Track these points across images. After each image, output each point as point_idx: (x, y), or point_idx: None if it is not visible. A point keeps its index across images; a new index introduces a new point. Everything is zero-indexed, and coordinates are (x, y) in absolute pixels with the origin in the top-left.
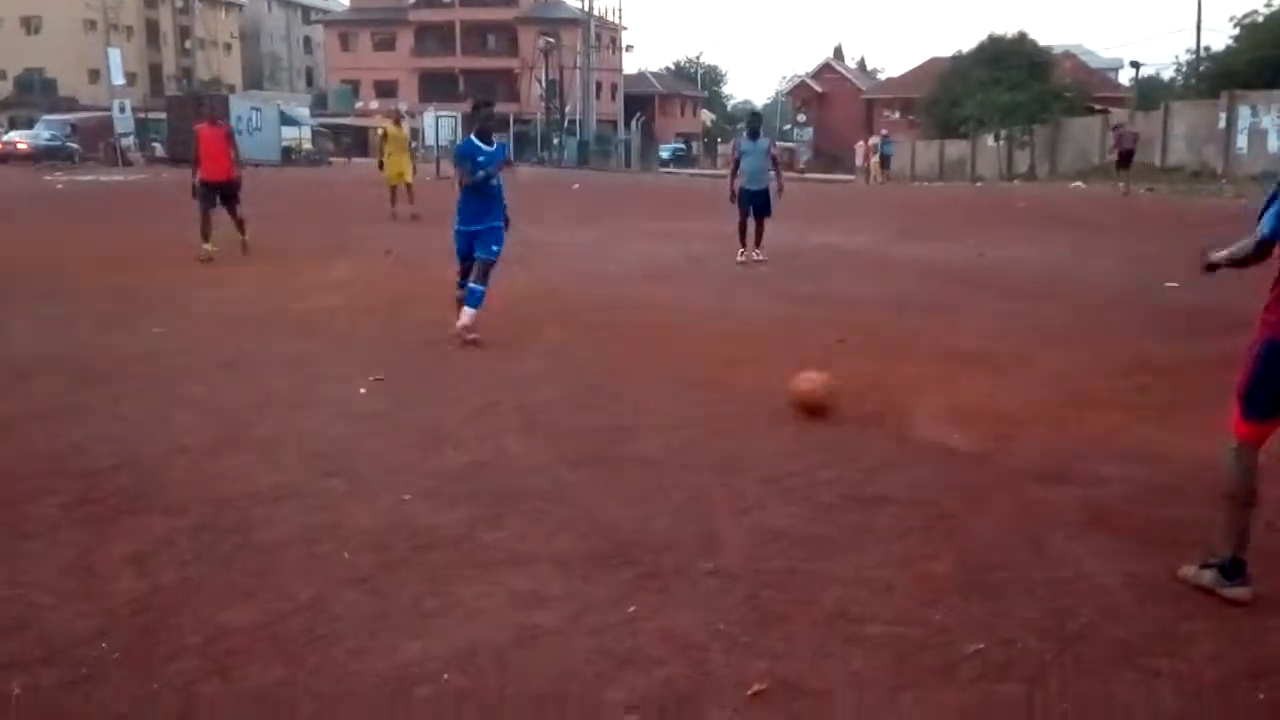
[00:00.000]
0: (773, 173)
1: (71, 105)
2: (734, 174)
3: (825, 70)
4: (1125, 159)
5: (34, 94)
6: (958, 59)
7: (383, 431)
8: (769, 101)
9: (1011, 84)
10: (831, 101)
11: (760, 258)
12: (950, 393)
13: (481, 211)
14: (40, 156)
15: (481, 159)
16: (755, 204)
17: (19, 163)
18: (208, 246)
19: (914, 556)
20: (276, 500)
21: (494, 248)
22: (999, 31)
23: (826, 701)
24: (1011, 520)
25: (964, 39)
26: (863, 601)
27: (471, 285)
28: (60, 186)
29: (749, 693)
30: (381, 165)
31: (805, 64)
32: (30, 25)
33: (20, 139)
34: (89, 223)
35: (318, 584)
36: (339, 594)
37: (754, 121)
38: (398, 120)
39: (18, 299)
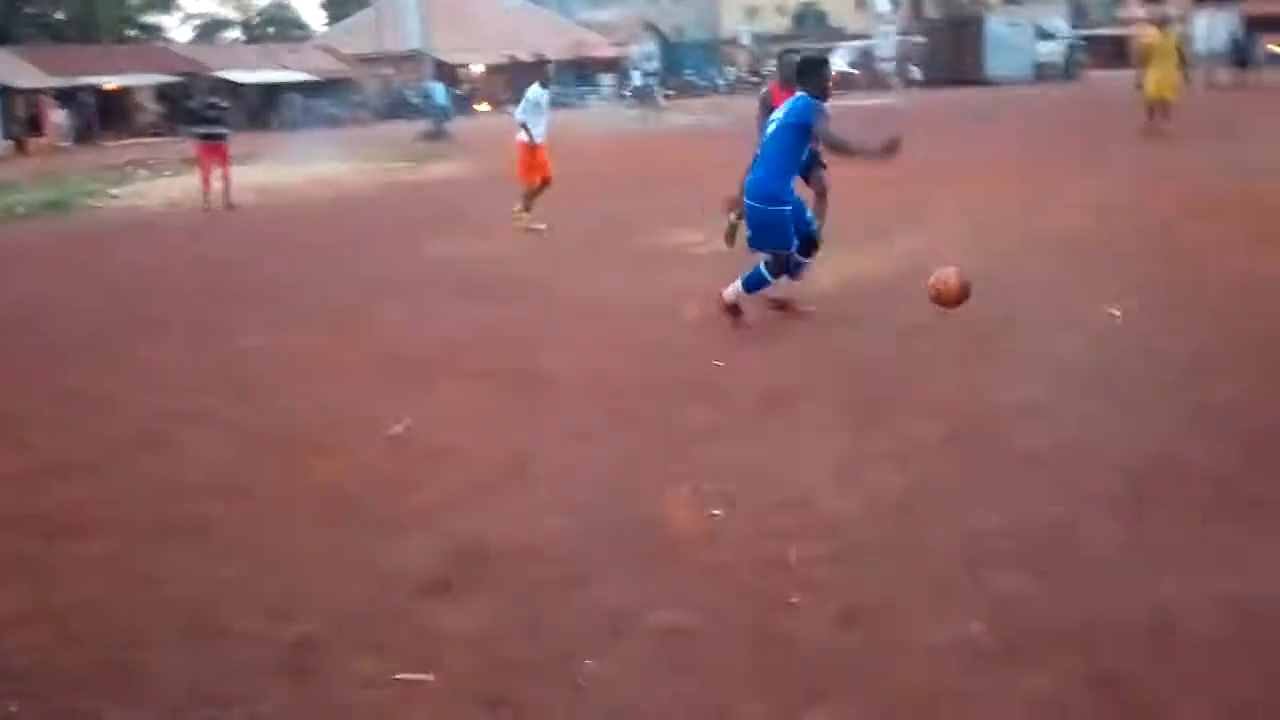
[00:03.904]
0: None
1: (842, 35)
2: None
3: None
4: None
5: (809, 27)
6: None
7: (1140, 362)
8: None
9: None
10: None
11: None
12: None
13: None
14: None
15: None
16: None
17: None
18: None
19: None
20: (1021, 413)
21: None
22: None
23: None
24: None
25: None
26: None
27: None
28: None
29: None
30: (1144, 81)
31: None
32: None
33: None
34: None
35: (1066, 503)
36: (1089, 517)
37: None
38: (1162, 26)
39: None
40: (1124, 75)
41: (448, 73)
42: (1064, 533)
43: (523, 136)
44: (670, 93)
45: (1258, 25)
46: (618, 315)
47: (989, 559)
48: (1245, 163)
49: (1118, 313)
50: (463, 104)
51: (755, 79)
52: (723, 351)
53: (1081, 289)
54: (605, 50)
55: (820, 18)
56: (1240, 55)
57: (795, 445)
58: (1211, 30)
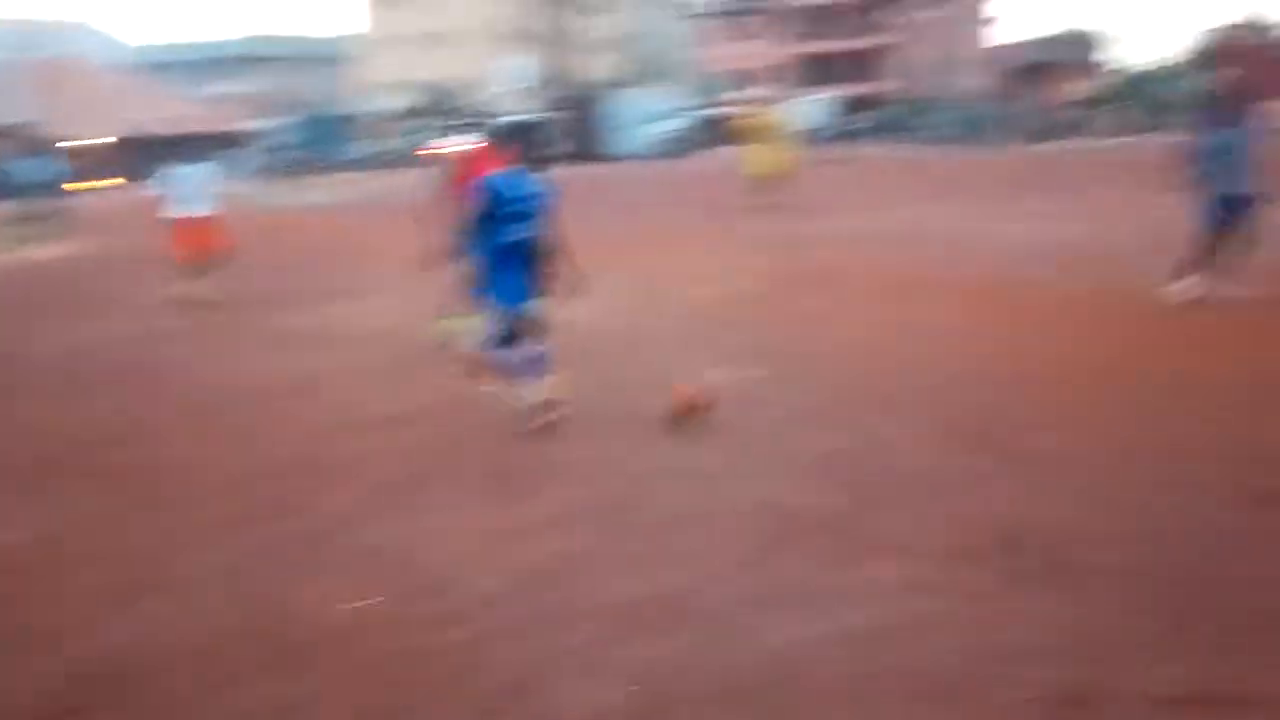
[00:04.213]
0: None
1: (477, 111)
2: (1193, 170)
3: (1229, 26)
4: None
5: (444, 102)
6: None
7: (764, 416)
8: (1159, 63)
9: None
10: (1246, 61)
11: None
12: None
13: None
14: None
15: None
16: (1238, 210)
17: None
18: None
19: None
20: (664, 477)
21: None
22: None
23: (1255, 713)
24: None
25: None
26: None
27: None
28: None
29: (1159, 698)
30: (746, 159)
31: (1204, 23)
32: (440, 39)
33: (446, 145)
34: None
35: (706, 561)
36: (726, 572)
37: (1218, 97)
38: (769, 108)
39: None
40: (735, 150)
41: (53, 146)
42: (697, 593)
43: (168, 212)
44: (305, 168)
45: (853, 106)
46: (259, 396)
47: (634, 625)
48: (842, 234)
49: (741, 377)
50: (77, 177)
51: (401, 152)
52: (363, 432)
53: (702, 353)
54: (239, 124)
55: (455, 94)
56: (834, 133)
57: (437, 525)
58: (812, 110)
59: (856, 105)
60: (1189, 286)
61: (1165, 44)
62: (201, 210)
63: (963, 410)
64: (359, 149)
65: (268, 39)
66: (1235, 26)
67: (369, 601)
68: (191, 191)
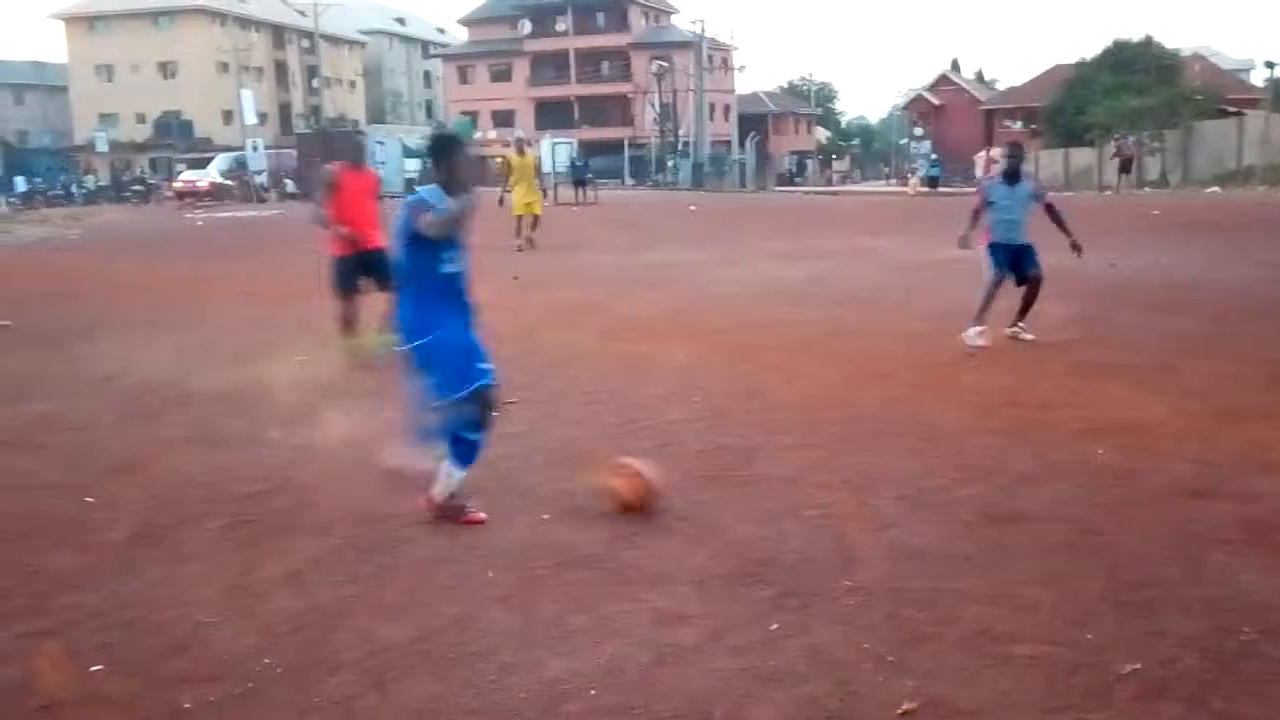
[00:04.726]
0: (1052, 227)
1: (208, 145)
2: (972, 223)
3: (942, 82)
4: (1125, 166)
5: (173, 135)
6: (1082, 65)
7: (518, 453)
8: (884, 117)
9: (1139, 88)
10: (949, 114)
11: (1026, 335)
12: (1089, 407)
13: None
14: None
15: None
16: (1019, 258)
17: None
18: (359, 341)
19: (1060, 574)
20: (419, 520)
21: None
22: (1124, 36)
23: None
24: (1162, 537)
25: (1086, 47)
26: (1009, 620)
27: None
28: (200, 223)
29: (898, 712)
30: (502, 200)
31: (921, 78)
32: (166, 70)
33: (198, 178)
34: (229, 257)
35: (464, 602)
36: (485, 611)
37: (1014, 158)
38: (521, 149)
39: (168, 329)
40: (486, 191)
41: None
42: (462, 632)
43: None
44: (14, 202)
45: (590, 149)
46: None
47: (394, 670)
48: (595, 270)
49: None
50: None
51: (133, 186)
52: (92, 486)
53: None
54: None
55: (185, 126)
56: (578, 176)
57: (179, 581)
58: (555, 152)
59: (595, 150)
60: (978, 332)
61: (879, 98)
62: None
63: (703, 446)
64: (85, 181)
65: None
66: None
67: (98, 668)
68: None
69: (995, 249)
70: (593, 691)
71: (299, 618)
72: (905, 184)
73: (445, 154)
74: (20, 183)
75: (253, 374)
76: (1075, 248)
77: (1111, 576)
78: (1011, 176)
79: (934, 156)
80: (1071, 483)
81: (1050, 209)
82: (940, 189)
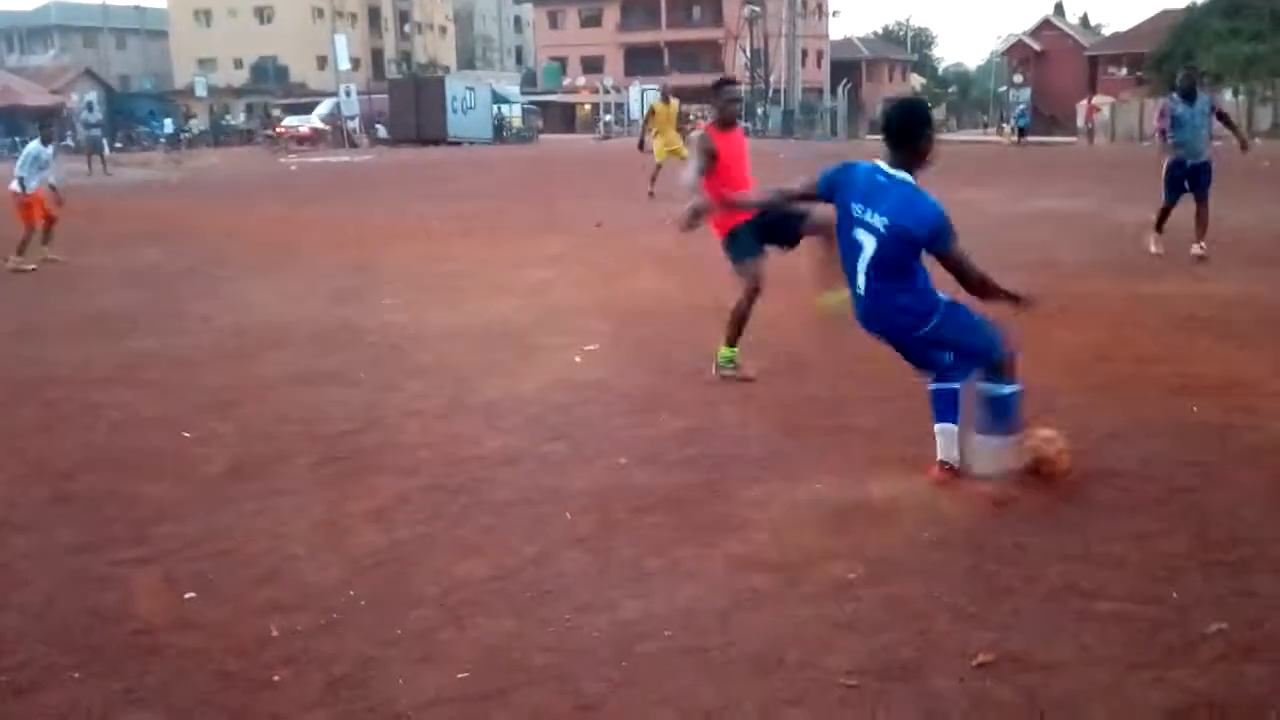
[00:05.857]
0: (1221, 139)
1: (303, 90)
2: (1164, 144)
3: (1044, 27)
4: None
5: (268, 80)
6: (1192, 10)
7: (599, 399)
8: (983, 63)
9: (1251, 34)
10: (1051, 60)
11: (1201, 252)
12: (1186, 361)
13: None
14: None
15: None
16: (1195, 181)
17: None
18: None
19: (1147, 532)
20: (502, 461)
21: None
22: None
23: (1057, 675)
24: (1255, 497)
25: None
26: (1092, 577)
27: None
28: (294, 168)
29: (974, 663)
30: (641, 145)
31: (1022, 22)
32: (263, 15)
33: (300, 123)
34: (323, 201)
35: (541, 542)
36: (562, 552)
37: (1188, 79)
38: (666, 98)
39: (264, 274)
40: (574, 139)
41: None
42: (539, 571)
43: (14, 187)
44: (119, 145)
45: (680, 96)
46: (65, 384)
47: (472, 606)
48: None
49: (579, 359)
50: None
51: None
52: (191, 421)
53: (555, 339)
54: (41, 98)
55: (281, 72)
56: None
57: (270, 514)
58: (644, 99)
59: (684, 96)
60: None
61: (978, 43)
62: (35, 186)
63: (789, 397)
64: (187, 126)
65: (68, 6)
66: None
67: (191, 596)
68: (39, 170)
69: (1175, 168)
70: (667, 633)
71: (382, 553)
72: (1001, 133)
73: (916, 134)
74: (169, 124)
75: (343, 316)
76: (1243, 146)
77: (1200, 535)
78: (1188, 94)
79: (1021, 106)
80: (1164, 440)
81: (1222, 115)
82: (1029, 139)
